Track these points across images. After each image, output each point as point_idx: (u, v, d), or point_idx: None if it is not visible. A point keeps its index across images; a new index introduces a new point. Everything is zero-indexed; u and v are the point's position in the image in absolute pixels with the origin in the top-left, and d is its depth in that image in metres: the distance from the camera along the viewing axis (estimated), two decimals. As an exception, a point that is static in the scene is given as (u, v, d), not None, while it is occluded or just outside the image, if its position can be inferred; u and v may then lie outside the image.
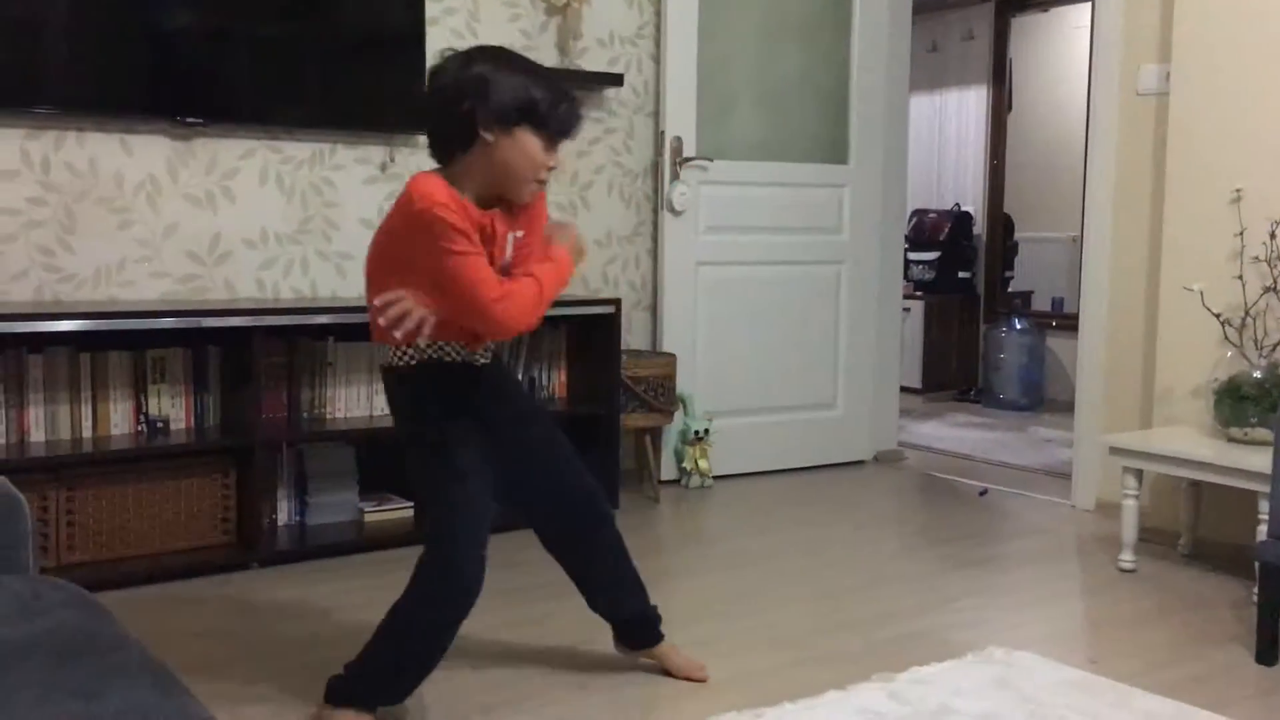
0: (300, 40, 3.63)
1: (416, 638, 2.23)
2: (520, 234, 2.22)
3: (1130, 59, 3.91)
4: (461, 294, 2.07)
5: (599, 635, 2.62)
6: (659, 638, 2.54)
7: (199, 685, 1.50)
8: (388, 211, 2.20)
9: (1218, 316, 3.41)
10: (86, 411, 3.23)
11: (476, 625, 2.78)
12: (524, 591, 3.05)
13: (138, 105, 3.39)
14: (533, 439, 2.39)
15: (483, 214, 2.12)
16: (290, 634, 2.77)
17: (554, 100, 2.09)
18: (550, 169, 2.15)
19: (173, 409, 3.36)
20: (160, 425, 3.33)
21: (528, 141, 2.09)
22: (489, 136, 2.07)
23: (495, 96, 2.05)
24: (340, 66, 3.69)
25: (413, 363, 2.24)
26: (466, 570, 2.20)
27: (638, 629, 2.53)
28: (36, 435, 3.16)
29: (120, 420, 3.28)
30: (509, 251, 2.20)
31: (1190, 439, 3.34)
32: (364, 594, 3.06)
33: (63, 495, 3.09)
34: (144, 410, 3.31)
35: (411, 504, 3.67)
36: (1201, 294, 3.43)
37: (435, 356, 2.24)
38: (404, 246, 2.11)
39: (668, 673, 2.53)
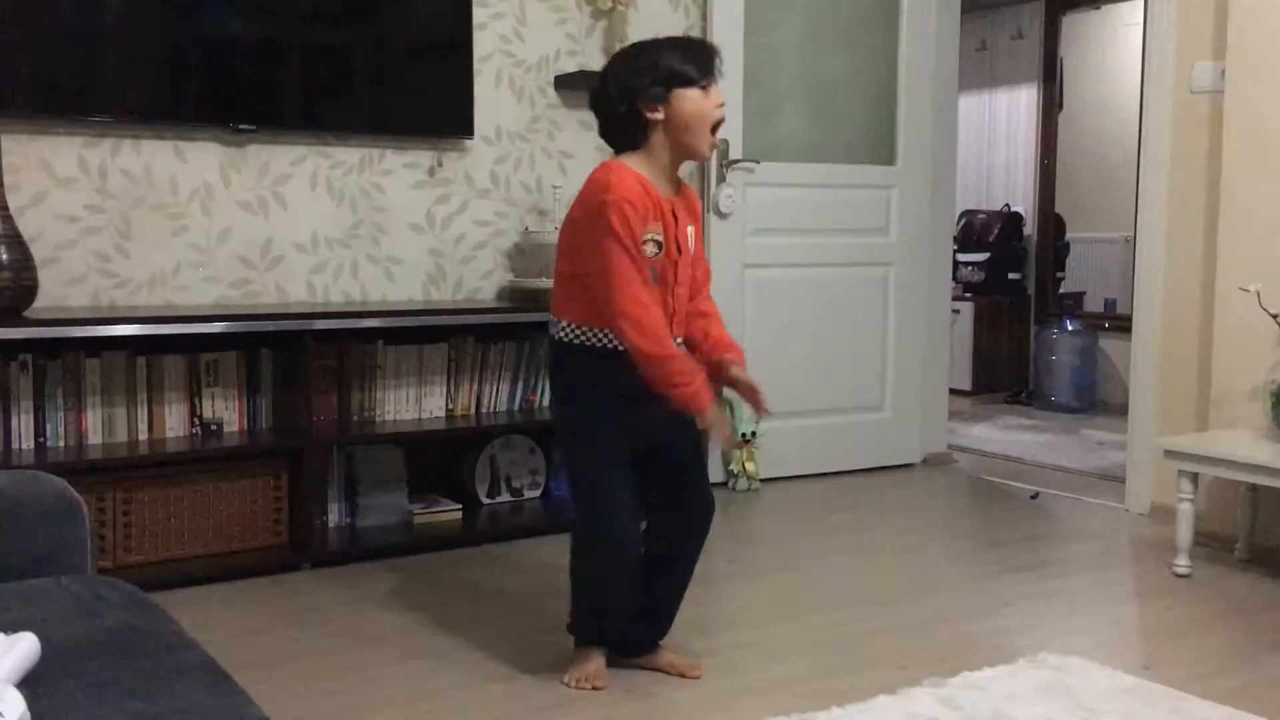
0: (349, 47, 3.67)
1: (593, 588, 2.48)
2: (694, 227, 2.44)
3: (1184, 56, 3.85)
4: (608, 283, 2.25)
5: (647, 638, 2.62)
6: (657, 646, 2.60)
7: (252, 685, 1.52)
8: (578, 194, 2.38)
9: (1275, 317, 3.35)
10: (142, 414, 3.28)
11: (521, 628, 2.80)
12: (566, 595, 3.05)
13: (191, 113, 3.45)
14: (680, 446, 2.50)
15: (666, 201, 2.33)
16: (341, 634, 2.80)
17: (685, 55, 2.32)
18: (720, 107, 2.33)
19: (226, 411, 3.41)
20: (214, 428, 3.38)
21: (685, 99, 2.30)
22: (655, 115, 2.30)
23: (639, 83, 2.29)
24: (389, 72, 3.72)
25: (571, 340, 2.38)
26: (620, 541, 2.40)
27: (649, 637, 2.59)
28: (94, 438, 3.22)
29: (175, 423, 3.34)
30: (691, 244, 2.42)
31: (1247, 442, 3.28)
32: (414, 595, 3.08)
33: (120, 497, 3.14)
34: (198, 413, 3.36)
35: (460, 506, 3.70)
36: (1258, 294, 3.37)
37: (602, 343, 2.35)
38: (583, 233, 2.31)
39: (670, 672, 2.55)
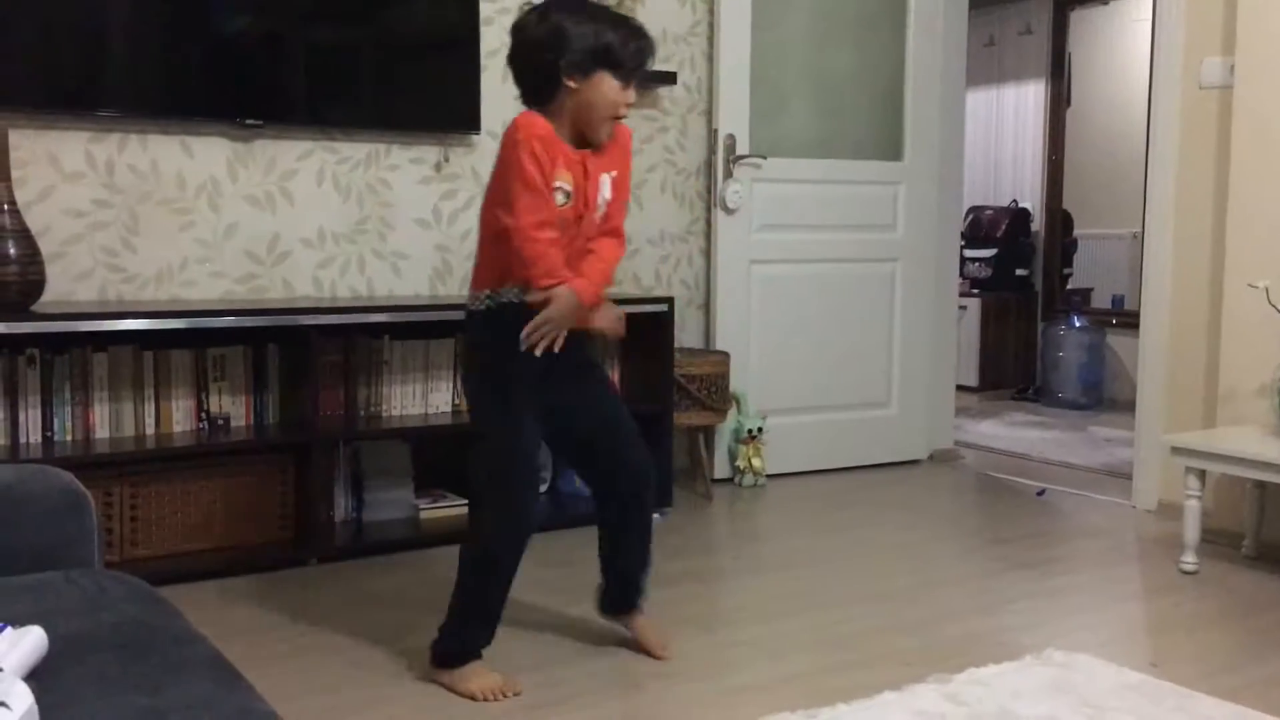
0: (356, 42, 3.67)
1: (487, 576, 2.40)
2: (615, 173, 2.40)
3: (1193, 52, 3.84)
4: (511, 208, 2.24)
5: (652, 633, 2.62)
6: (637, 605, 2.65)
7: (259, 679, 1.52)
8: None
9: (1284, 314, 3.35)
10: (149, 409, 3.29)
11: (526, 622, 2.81)
12: (574, 590, 3.05)
13: (198, 108, 3.45)
14: (602, 404, 2.53)
15: (575, 153, 2.31)
16: (349, 629, 2.80)
17: (624, 41, 2.28)
18: (628, 105, 2.34)
19: (233, 406, 3.41)
20: (221, 423, 3.38)
21: (605, 83, 2.28)
22: (571, 83, 2.27)
23: (573, 46, 2.25)
24: (395, 68, 3.72)
25: (486, 307, 2.38)
26: (523, 513, 2.39)
27: (629, 593, 2.64)
28: (101, 432, 3.22)
29: (182, 418, 3.34)
30: (606, 190, 2.38)
31: (1255, 439, 3.28)
32: (420, 590, 3.09)
33: (126, 491, 3.15)
34: (205, 408, 3.37)
35: (466, 501, 3.69)
36: (1267, 291, 3.36)
37: (514, 300, 2.35)
38: (499, 172, 2.29)
39: (639, 646, 2.62)
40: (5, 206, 3.00)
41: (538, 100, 2.31)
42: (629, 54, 2.29)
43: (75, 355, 3.18)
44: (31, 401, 3.13)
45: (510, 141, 2.25)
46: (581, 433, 2.52)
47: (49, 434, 3.15)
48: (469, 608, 2.43)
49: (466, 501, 3.67)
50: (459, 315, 3.56)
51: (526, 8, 2.36)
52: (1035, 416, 6.12)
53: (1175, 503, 3.53)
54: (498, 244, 2.33)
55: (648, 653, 2.60)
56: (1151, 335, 4.01)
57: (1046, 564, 3.41)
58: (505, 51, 2.35)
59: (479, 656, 2.44)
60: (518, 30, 2.32)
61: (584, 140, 2.34)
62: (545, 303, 2.28)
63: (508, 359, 2.33)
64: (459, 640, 2.44)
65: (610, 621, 2.69)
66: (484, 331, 2.41)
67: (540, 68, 2.27)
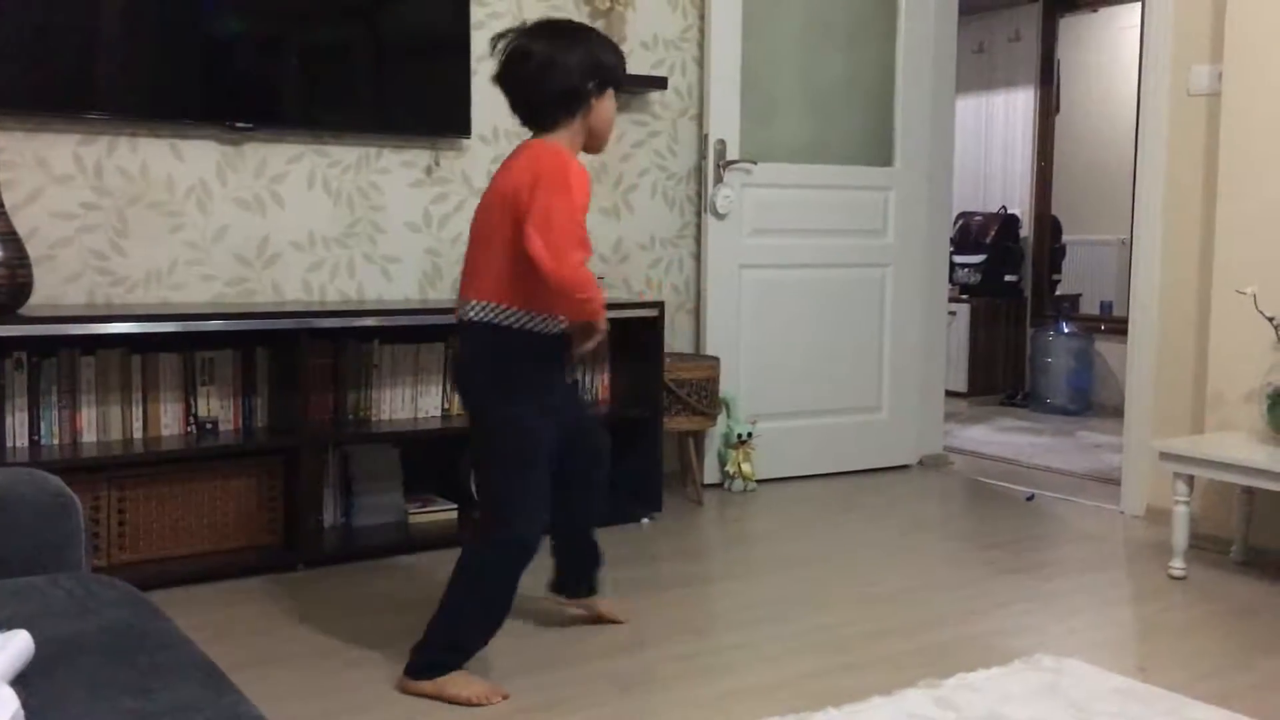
0: (347, 45, 3.67)
1: (486, 591, 2.41)
2: None
3: (1181, 59, 3.86)
4: (553, 224, 2.22)
5: (642, 638, 2.62)
6: (595, 590, 2.79)
7: (248, 684, 1.51)
8: (505, 176, 2.35)
9: (1271, 320, 3.36)
10: (137, 412, 3.28)
11: (516, 625, 2.80)
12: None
13: (188, 111, 3.44)
14: (582, 412, 2.67)
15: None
16: (337, 633, 2.79)
17: (617, 58, 2.42)
18: None
19: (221, 410, 3.40)
20: (209, 426, 3.37)
21: (610, 99, 2.41)
22: (595, 103, 2.37)
23: (607, 68, 2.36)
24: (387, 71, 3.72)
25: (520, 326, 2.36)
26: (530, 538, 2.41)
27: (585, 576, 2.76)
28: (89, 436, 3.21)
29: (170, 421, 3.33)
30: None
31: (1243, 444, 3.29)
32: (409, 595, 3.08)
33: (114, 495, 3.14)
34: (193, 411, 3.36)
35: (455, 506, 3.69)
36: (1254, 297, 3.38)
37: (536, 327, 2.37)
38: (532, 199, 2.24)
39: (599, 619, 2.78)
40: (-7, 209, 2.99)
41: (550, 123, 2.36)
42: (622, 70, 2.43)
43: (63, 358, 3.16)
44: (19, 404, 3.11)
45: (568, 174, 2.26)
46: (562, 430, 2.52)
47: (36, 437, 3.14)
48: (473, 614, 2.42)
49: (455, 506, 3.69)
50: (449, 319, 3.59)
51: (519, 35, 2.35)
52: (1024, 422, 6.14)
53: (1164, 508, 3.54)
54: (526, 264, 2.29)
55: (611, 620, 2.77)
56: (1140, 341, 4.02)
57: (1036, 569, 3.41)
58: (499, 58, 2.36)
59: (460, 666, 2.42)
60: (534, 56, 2.31)
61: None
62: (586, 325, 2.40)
63: (529, 380, 2.39)
64: (454, 647, 2.42)
65: (567, 604, 2.82)
66: (507, 348, 2.37)
67: (565, 95, 2.33)
